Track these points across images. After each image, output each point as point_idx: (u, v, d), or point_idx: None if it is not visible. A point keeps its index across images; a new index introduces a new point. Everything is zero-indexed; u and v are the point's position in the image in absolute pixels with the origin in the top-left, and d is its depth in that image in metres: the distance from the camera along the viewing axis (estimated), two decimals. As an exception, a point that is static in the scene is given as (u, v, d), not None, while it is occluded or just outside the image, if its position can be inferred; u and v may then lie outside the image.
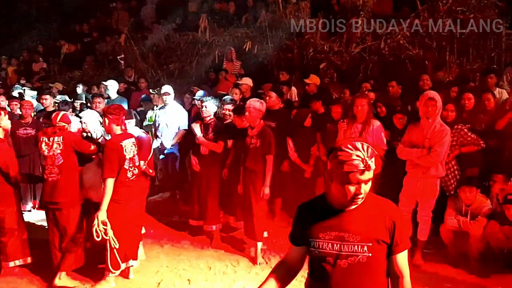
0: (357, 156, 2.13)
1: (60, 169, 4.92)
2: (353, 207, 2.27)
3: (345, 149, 2.15)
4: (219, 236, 6.23)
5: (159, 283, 5.08)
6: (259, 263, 5.55)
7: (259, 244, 5.66)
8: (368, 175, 2.17)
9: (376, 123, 5.68)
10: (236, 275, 5.29)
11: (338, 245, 2.24)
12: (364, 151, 2.15)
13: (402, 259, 2.30)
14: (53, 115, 5.16)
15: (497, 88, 6.79)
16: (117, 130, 4.87)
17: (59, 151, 4.92)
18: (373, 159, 2.16)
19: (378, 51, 9.00)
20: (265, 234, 5.76)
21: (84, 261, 5.13)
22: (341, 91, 8.03)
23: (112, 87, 8.88)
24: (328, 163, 2.25)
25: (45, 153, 4.94)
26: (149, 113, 8.15)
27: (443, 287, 4.96)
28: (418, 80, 7.25)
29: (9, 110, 7.62)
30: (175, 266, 5.49)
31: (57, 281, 4.95)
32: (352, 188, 2.18)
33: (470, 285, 4.98)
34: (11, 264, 5.17)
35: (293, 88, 8.48)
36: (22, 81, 12.50)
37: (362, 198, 2.22)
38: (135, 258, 5.13)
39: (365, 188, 2.20)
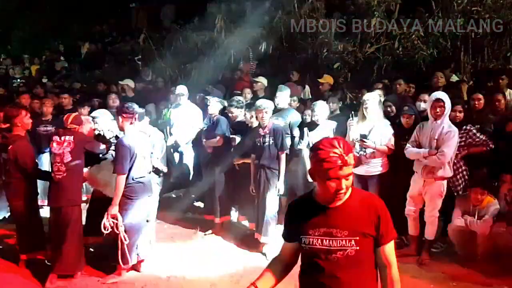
0: (334, 153, 2.24)
1: (67, 167, 5.04)
2: (339, 203, 2.37)
3: (323, 148, 2.27)
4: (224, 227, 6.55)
5: (169, 277, 5.22)
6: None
7: (271, 241, 5.79)
8: (347, 170, 2.27)
9: (385, 122, 5.75)
10: (246, 271, 5.40)
11: (327, 241, 2.35)
12: (340, 147, 2.25)
13: (388, 250, 2.41)
14: (65, 117, 5.29)
15: (508, 89, 6.77)
16: (130, 128, 5.03)
17: (69, 149, 5.05)
18: (350, 155, 2.27)
19: (392, 51, 9.02)
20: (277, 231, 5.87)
21: (84, 267, 5.21)
22: (356, 91, 8.09)
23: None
24: (310, 162, 2.37)
25: (55, 150, 5.07)
26: (165, 112, 8.31)
27: (450, 286, 4.99)
28: (431, 78, 7.27)
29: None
30: (186, 261, 5.63)
31: (47, 285, 4.96)
32: (333, 184, 2.28)
33: (477, 285, 4.98)
34: (24, 257, 5.36)
35: (307, 87, 8.57)
36: (44, 80, 12.81)
37: (344, 193, 2.33)
38: (147, 253, 5.29)
39: (346, 183, 2.30)
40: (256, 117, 5.99)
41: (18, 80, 13.16)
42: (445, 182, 5.34)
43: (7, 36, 16.78)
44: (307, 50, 9.54)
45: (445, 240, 5.77)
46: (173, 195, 7.65)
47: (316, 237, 2.37)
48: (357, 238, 2.32)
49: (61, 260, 5.01)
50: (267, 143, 5.80)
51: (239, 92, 8.27)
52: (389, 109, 6.26)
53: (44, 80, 12.68)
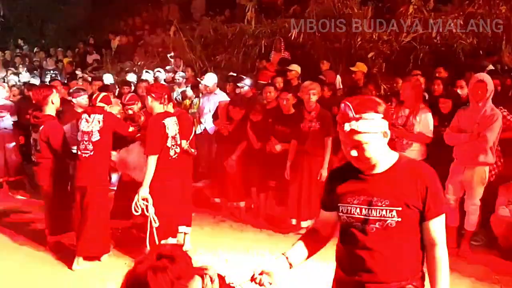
0: (344, 115, 2.07)
1: (94, 146, 4.96)
2: (381, 170, 2.18)
3: (340, 109, 2.10)
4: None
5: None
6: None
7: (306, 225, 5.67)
8: (361, 136, 2.06)
9: (426, 112, 5.42)
10: (274, 257, 5.23)
11: (366, 210, 2.15)
12: (351, 110, 2.05)
13: (436, 226, 2.15)
14: (94, 96, 5.25)
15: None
16: (159, 108, 4.91)
17: (97, 128, 4.98)
18: (362, 122, 2.04)
19: (429, 40, 8.68)
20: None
21: (109, 249, 5.16)
22: (391, 81, 7.83)
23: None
24: None
25: (84, 128, 5.01)
26: (195, 100, 8.25)
27: (492, 279, 4.71)
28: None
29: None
30: (214, 248, 5.51)
31: (74, 266, 4.94)
32: (351, 150, 2.11)
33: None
34: (52, 239, 5.38)
35: (338, 77, 8.35)
36: (78, 72, 12.96)
37: (367, 161, 2.13)
38: (175, 236, 5.16)
39: (368, 150, 2.09)
40: (303, 99, 5.80)
41: (51, 71, 13.38)
42: (487, 168, 5.05)
43: (41, 29, 17.14)
44: (340, 39, 9.28)
45: (487, 232, 5.46)
46: (200, 184, 7.55)
47: (354, 205, 2.19)
48: (400, 208, 2.10)
49: (86, 242, 4.94)
50: (313, 128, 5.64)
51: (264, 82, 8.09)
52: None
53: (78, 72, 12.84)
